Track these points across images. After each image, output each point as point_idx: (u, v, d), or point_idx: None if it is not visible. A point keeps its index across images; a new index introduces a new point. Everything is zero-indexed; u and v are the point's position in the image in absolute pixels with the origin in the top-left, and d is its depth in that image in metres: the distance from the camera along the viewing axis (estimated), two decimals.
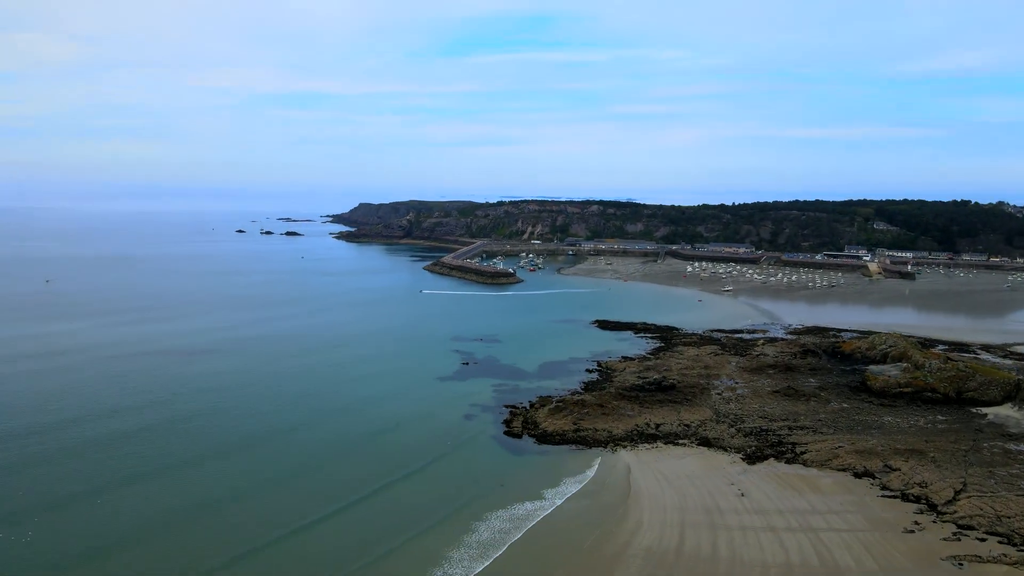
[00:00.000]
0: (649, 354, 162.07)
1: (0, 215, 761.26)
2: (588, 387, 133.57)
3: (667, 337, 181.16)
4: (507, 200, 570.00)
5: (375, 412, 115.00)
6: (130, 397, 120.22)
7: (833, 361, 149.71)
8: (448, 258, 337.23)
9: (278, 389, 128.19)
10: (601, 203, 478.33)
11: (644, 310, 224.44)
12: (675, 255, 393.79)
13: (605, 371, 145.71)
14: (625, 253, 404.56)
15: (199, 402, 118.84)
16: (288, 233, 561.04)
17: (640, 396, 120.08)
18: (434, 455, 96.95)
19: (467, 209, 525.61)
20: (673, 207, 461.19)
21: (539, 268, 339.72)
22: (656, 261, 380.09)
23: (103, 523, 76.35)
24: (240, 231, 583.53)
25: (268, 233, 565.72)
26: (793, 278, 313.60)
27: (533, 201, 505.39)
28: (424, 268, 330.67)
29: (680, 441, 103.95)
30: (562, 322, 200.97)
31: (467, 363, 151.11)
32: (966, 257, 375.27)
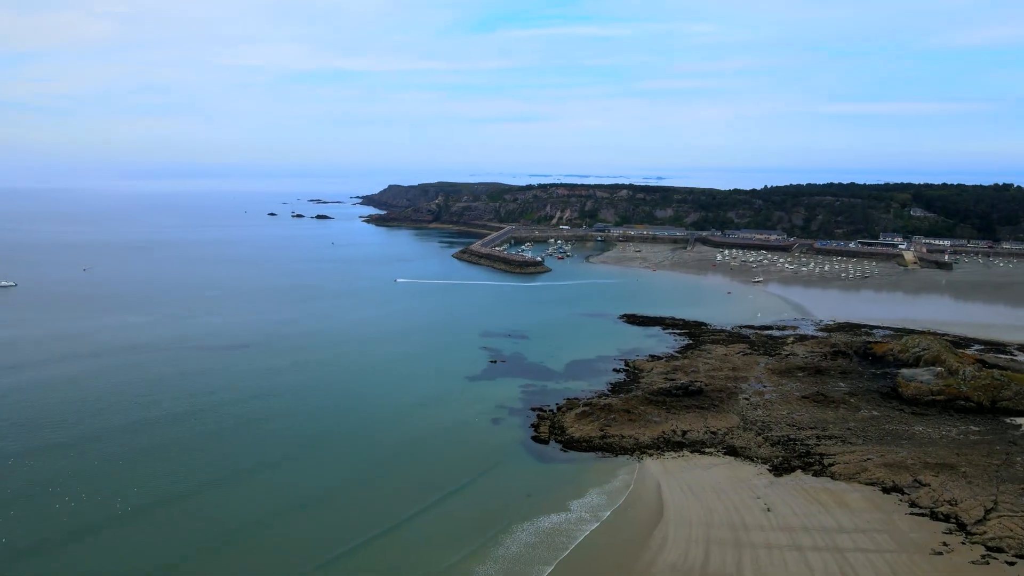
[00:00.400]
0: (677, 352, 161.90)
1: (36, 196, 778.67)
2: (615, 388, 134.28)
3: (695, 333, 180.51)
4: (535, 183, 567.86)
5: (408, 421, 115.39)
6: (167, 401, 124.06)
7: (864, 363, 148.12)
8: (477, 245, 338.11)
9: (313, 392, 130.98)
10: (630, 187, 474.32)
11: (672, 302, 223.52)
12: (705, 242, 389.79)
13: (632, 371, 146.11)
14: (654, 239, 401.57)
15: (239, 407, 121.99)
16: (318, 216, 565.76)
17: (667, 401, 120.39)
18: (463, 470, 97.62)
19: (496, 193, 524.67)
20: (704, 191, 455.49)
21: (567, 256, 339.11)
22: (685, 248, 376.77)
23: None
24: (272, 214, 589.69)
25: (299, 216, 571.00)
26: (825, 267, 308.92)
27: (562, 185, 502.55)
28: (453, 256, 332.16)
29: (707, 450, 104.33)
30: (590, 316, 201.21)
31: (495, 361, 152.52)
32: (1006, 246, 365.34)
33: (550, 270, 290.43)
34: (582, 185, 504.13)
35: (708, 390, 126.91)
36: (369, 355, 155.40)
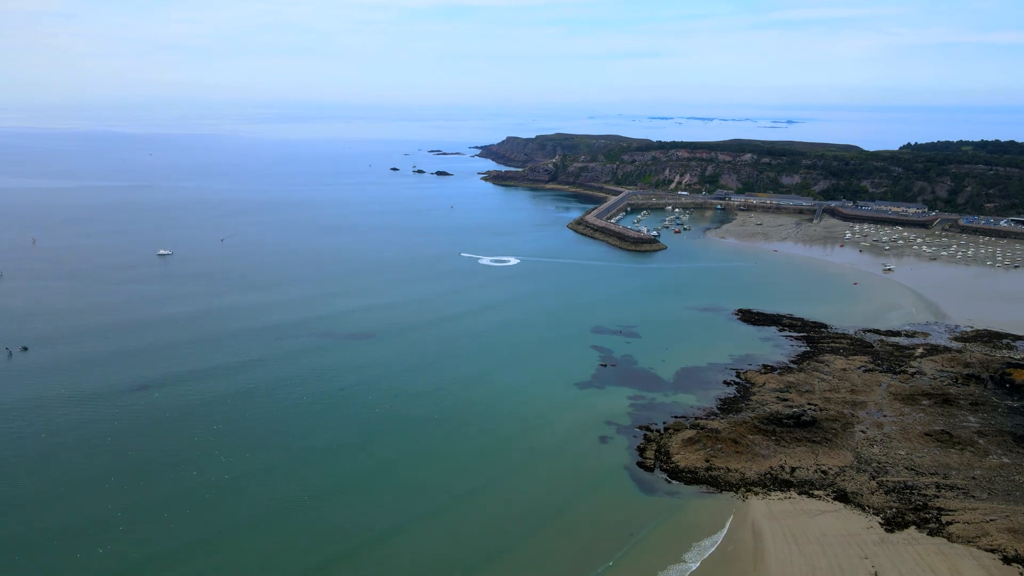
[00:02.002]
0: (792, 362, 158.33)
1: (179, 144, 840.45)
2: (725, 406, 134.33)
3: (814, 338, 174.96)
4: (655, 141, 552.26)
5: (518, 437, 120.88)
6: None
7: (1000, 392, 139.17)
8: (592, 216, 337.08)
9: (420, 397, 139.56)
10: (755, 151, 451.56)
11: (792, 295, 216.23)
12: (834, 214, 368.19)
13: (743, 384, 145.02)
14: (778, 209, 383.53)
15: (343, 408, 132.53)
16: (438, 172, 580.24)
17: (776, 431, 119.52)
18: (568, 496, 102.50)
19: (613, 153, 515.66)
20: (836, 157, 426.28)
21: (684, 229, 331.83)
22: (812, 221, 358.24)
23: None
24: (394, 168, 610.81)
25: (420, 172, 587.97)
26: (969, 252, 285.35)
27: (683, 146, 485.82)
28: (568, 226, 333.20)
29: (815, 492, 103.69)
30: (704, 310, 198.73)
31: (605, 364, 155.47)
32: None
33: (665, 247, 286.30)
34: (703, 146, 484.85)
35: (822, 419, 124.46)
36: (483, 352, 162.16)
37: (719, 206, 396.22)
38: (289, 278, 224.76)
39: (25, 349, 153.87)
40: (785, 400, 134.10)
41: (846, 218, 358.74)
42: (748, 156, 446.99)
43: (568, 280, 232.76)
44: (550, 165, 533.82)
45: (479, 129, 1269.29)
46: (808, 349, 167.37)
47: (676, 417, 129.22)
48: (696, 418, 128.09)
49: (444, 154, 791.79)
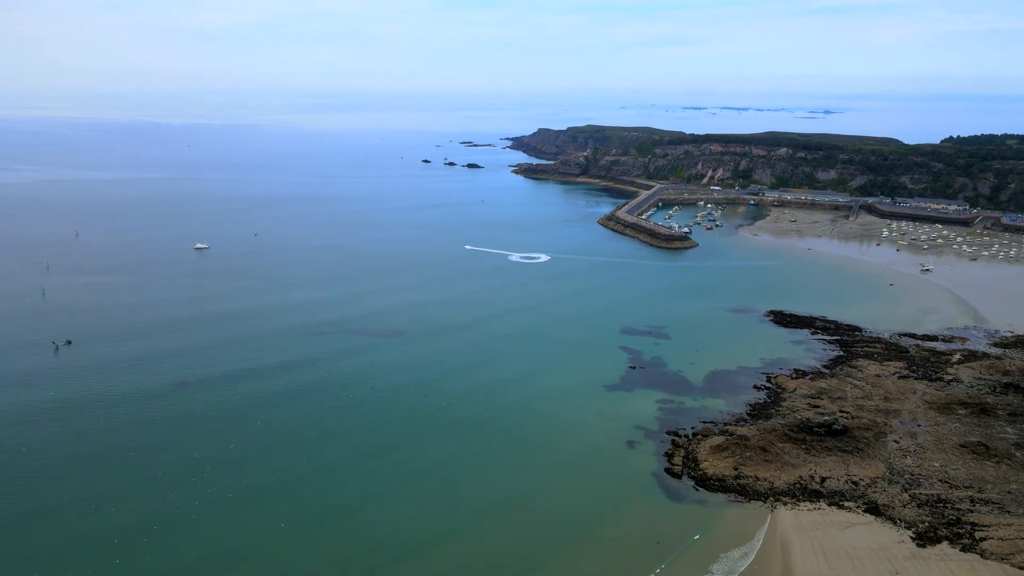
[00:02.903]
0: (824, 367, 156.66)
1: (217, 135, 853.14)
2: (755, 411, 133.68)
3: (847, 342, 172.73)
4: (687, 134, 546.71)
5: (546, 444, 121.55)
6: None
7: None
8: (623, 212, 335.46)
9: (448, 397, 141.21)
10: (791, 145, 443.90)
11: (826, 295, 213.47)
12: (870, 210, 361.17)
13: (774, 390, 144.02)
14: (813, 205, 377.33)
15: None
16: (470, 165, 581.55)
17: (807, 439, 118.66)
18: (595, 504, 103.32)
19: (645, 146, 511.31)
20: (874, 152, 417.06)
21: (716, 226, 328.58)
22: (848, 217, 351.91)
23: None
24: (426, 161, 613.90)
25: (451, 164, 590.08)
26: (1012, 252, 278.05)
27: (715, 139, 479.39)
28: (598, 222, 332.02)
29: (846, 503, 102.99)
30: (735, 312, 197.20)
31: (634, 367, 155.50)
32: None
33: (697, 245, 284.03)
34: (737, 139, 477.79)
35: (853, 427, 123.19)
36: (514, 354, 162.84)
37: (752, 202, 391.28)
38: (320, 274, 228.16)
39: (69, 343, 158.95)
40: (816, 407, 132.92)
41: (883, 215, 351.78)
42: (783, 150, 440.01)
43: (598, 278, 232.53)
44: (581, 158, 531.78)
45: (511, 119, 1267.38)
46: (841, 353, 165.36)
47: (705, 422, 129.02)
48: (725, 424, 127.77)
49: (475, 145, 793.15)
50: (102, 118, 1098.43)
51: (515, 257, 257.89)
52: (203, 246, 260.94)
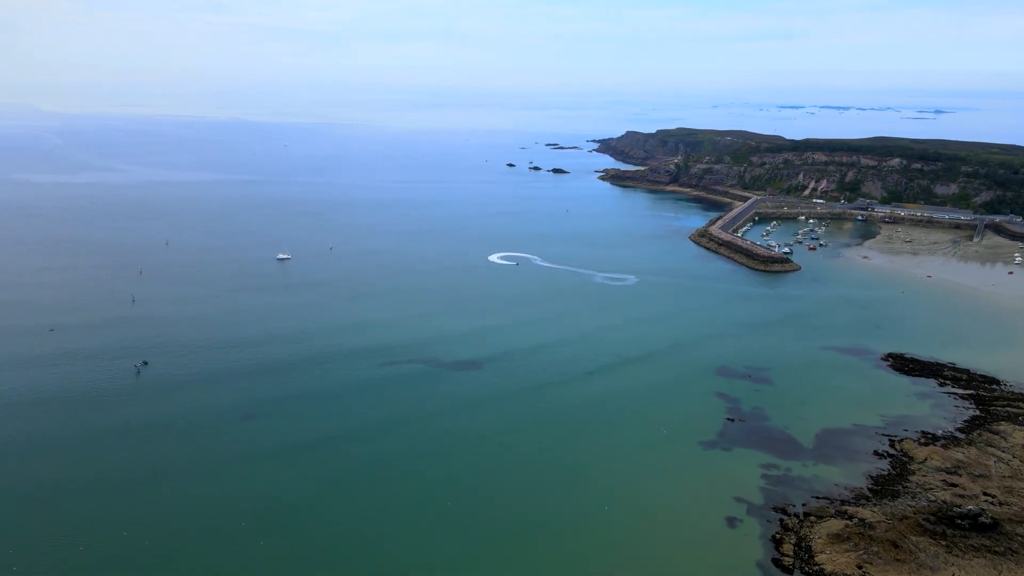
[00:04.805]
0: (959, 430, 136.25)
1: (311, 132, 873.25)
2: (877, 487, 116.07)
3: (984, 398, 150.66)
4: (787, 140, 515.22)
5: (633, 516, 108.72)
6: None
7: None
8: (716, 228, 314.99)
9: (521, 456, 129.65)
10: (904, 154, 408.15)
11: (953, 335, 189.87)
12: (999, 230, 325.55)
13: (899, 458, 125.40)
14: (930, 223, 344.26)
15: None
16: (555, 170, 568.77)
17: (947, 533, 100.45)
18: None
19: (740, 154, 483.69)
20: (1002, 164, 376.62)
21: (820, 245, 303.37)
22: (972, 239, 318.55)
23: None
24: (510, 164, 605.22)
25: (535, 169, 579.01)
26: None
27: (819, 147, 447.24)
28: (689, 238, 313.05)
29: None
30: (846, 352, 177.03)
31: (732, 419, 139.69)
32: None
33: (799, 268, 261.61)
34: (843, 146, 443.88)
35: (1004, 519, 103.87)
36: (599, 398, 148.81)
37: (860, 217, 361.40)
38: (397, 293, 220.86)
39: (145, 363, 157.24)
40: (954, 486, 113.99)
41: (1014, 236, 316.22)
42: (896, 160, 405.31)
43: (690, 306, 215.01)
44: (671, 166, 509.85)
45: (597, 120, 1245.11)
46: (978, 413, 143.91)
47: (818, 497, 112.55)
48: (842, 501, 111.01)
49: (561, 148, 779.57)
50: (208, 117, 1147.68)
51: (599, 278, 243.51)
52: (285, 256, 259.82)
